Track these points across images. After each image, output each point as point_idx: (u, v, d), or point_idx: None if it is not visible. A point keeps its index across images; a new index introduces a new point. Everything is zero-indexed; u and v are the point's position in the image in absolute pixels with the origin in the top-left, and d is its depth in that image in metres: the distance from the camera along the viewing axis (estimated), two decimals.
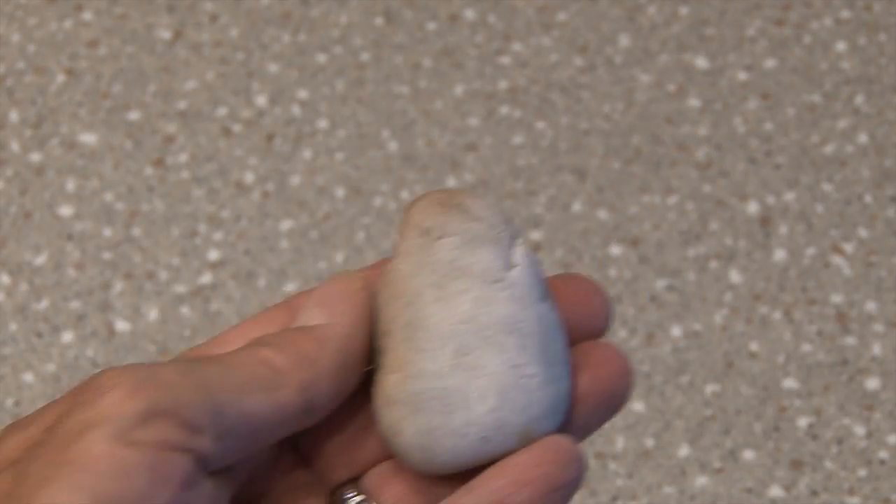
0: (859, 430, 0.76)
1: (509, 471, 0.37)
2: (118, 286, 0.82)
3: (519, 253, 0.38)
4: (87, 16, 0.94)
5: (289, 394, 0.36)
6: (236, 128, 0.88)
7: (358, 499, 0.40)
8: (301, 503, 0.40)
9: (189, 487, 0.33)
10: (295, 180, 0.86)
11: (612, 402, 0.39)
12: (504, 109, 0.88)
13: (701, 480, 0.75)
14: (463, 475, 0.38)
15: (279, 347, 0.37)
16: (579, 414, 0.39)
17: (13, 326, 0.81)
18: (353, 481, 0.40)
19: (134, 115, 0.89)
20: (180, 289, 0.82)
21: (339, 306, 0.38)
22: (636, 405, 0.77)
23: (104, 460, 0.32)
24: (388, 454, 0.40)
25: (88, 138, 0.88)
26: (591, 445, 0.76)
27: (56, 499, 0.32)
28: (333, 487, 0.40)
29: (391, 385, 0.38)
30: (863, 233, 0.83)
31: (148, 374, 0.34)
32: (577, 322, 0.40)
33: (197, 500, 0.34)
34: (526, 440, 0.38)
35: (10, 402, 0.78)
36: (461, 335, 0.37)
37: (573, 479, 0.38)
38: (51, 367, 0.79)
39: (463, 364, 0.37)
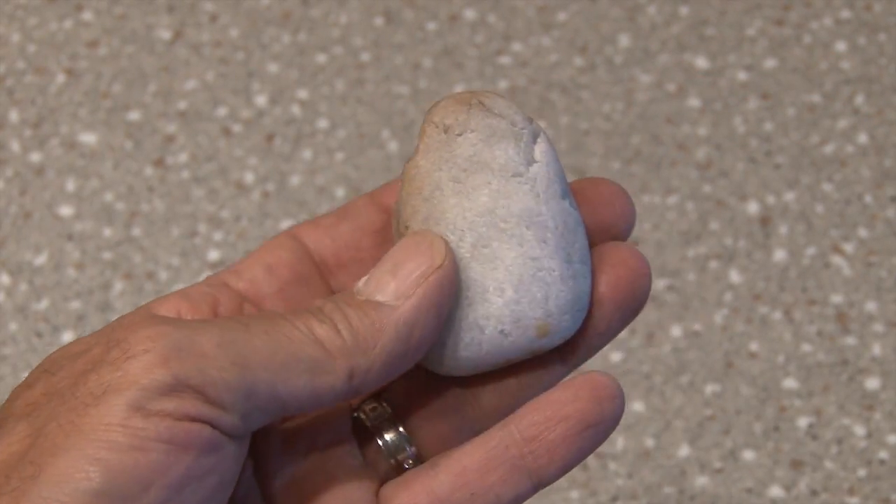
0: (859, 430, 0.76)
1: (544, 406, 0.37)
2: (118, 286, 0.82)
3: (539, 150, 0.38)
4: (87, 16, 0.94)
5: (334, 380, 0.34)
6: (236, 128, 0.88)
7: (377, 412, 0.39)
8: (330, 421, 0.38)
9: (210, 453, 0.32)
10: (295, 180, 0.86)
11: (631, 304, 0.38)
12: None
13: (701, 480, 0.75)
14: (496, 403, 0.38)
15: (335, 326, 0.35)
16: (600, 315, 0.38)
17: (13, 326, 0.81)
18: (376, 397, 0.39)
19: (134, 115, 0.89)
20: (180, 289, 0.82)
21: (410, 284, 0.35)
22: (636, 405, 0.77)
23: (119, 431, 0.31)
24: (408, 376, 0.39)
25: (88, 138, 0.88)
26: None
27: (68, 471, 0.31)
28: (356, 405, 0.39)
29: None
30: (863, 233, 0.83)
31: (184, 342, 0.32)
32: (601, 223, 0.39)
33: (221, 463, 0.33)
34: (544, 334, 0.37)
35: None
36: (479, 227, 0.37)
37: (609, 416, 0.37)
38: None
39: (480, 256, 0.37)
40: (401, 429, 0.39)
